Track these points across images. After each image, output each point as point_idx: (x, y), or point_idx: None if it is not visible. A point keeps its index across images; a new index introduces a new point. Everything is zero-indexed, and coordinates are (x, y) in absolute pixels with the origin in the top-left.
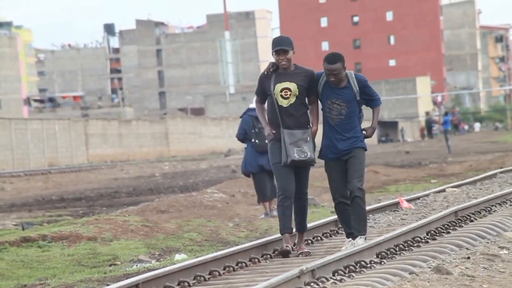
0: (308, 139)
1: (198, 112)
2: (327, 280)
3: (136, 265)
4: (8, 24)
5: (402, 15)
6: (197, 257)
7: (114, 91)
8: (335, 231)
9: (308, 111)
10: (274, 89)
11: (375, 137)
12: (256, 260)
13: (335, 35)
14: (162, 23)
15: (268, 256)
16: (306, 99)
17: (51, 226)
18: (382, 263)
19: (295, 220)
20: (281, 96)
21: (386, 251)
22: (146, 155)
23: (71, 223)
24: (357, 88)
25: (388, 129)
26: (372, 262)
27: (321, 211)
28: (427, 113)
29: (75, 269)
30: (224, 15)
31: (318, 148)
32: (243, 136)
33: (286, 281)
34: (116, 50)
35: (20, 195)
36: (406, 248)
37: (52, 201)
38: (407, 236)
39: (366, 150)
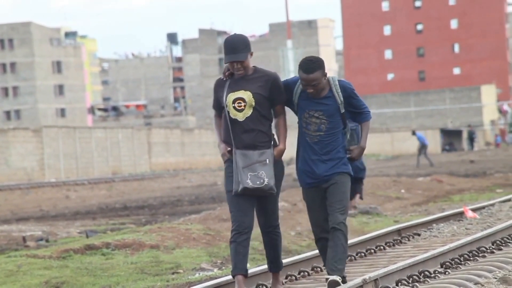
0: (267, 161)
1: None
2: None
3: (198, 274)
4: (73, 34)
5: (467, 23)
6: (259, 265)
7: (176, 99)
8: (398, 241)
9: (274, 125)
10: (226, 99)
11: (438, 146)
12: (318, 269)
13: (398, 43)
14: (224, 32)
15: None
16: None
17: (115, 234)
18: (447, 273)
19: (267, 258)
20: (234, 108)
21: (450, 261)
22: (208, 163)
23: (134, 231)
24: (342, 99)
25: (452, 138)
26: (436, 272)
27: (384, 220)
28: (469, 125)
29: (138, 277)
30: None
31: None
32: None
33: None
34: (179, 59)
35: (84, 203)
36: (471, 258)
37: (115, 209)
38: (472, 246)
39: (351, 175)
